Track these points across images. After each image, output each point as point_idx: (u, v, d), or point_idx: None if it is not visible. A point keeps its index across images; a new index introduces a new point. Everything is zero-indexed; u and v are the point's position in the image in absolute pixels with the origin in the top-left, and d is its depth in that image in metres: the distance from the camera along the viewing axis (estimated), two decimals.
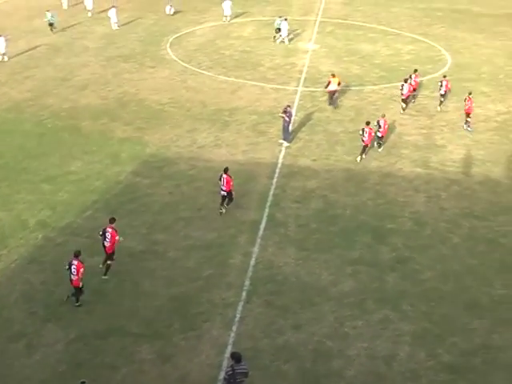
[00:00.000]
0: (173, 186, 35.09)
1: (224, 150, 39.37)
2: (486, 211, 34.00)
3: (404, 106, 46.91)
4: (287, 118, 40.07)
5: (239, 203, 33.21)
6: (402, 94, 46.57)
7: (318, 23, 70.01)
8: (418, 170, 38.16)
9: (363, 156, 39.12)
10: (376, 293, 27.30)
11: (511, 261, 29.92)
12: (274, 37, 62.86)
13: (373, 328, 25.31)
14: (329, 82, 46.89)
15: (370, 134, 38.74)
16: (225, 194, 32.26)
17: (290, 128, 41.02)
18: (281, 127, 40.67)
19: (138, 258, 28.79)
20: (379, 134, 39.94)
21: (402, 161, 39.10)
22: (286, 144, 40.10)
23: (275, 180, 35.99)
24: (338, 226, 31.99)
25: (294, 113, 43.06)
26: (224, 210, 32.63)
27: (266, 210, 32.89)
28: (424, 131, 43.36)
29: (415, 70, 48.96)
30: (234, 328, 24.91)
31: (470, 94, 44.29)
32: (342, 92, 49.18)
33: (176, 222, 31.69)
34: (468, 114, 43.95)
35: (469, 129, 43.85)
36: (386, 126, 40.35)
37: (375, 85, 51.63)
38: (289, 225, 31.88)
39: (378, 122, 40.03)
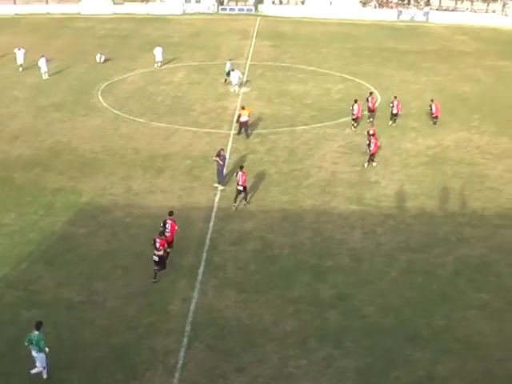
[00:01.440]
0: (109, 234, 34.69)
1: (159, 196, 39.15)
2: (421, 244, 34.36)
3: (355, 124, 51.20)
4: (221, 162, 40.10)
5: (177, 248, 32.94)
6: (353, 114, 50.74)
7: (248, 66, 70.59)
8: (353, 206, 38.45)
9: (371, 163, 44.25)
10: (318, 331, 27.26)
11: (449, 291, 30.23)
12: (225, 80, 63.13)
13: (317, 366, 25.21)
14: (239, 115, 48.59)
15: (375, 144, 43.98)
16: (241, 188, 37.46)
17: (225, 171, 41.05)
18: (215, 171, 40.65)
19: (76, 308, 28.28)
20: (367, 142, 44.81)
21: (337, 198, 39.37)
22: (221, 187, 40.06)
23: (212, 224, 35.86)
24: (276, 266, 31.96)
25: (227, 156, 43.15)
26: (244, 204, 38.04)
27: (204, 254, 32.70)
28: (357, 168, 43.78)
29: (371, 93, 53.44)
30: (177, 375, 24.55)
31: (432, 100, 52.82)
32: (275, 133, 49.53)
33: (114, 270, 31.26)
34: (436, 117, 51.65)
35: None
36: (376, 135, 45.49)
37: (307, 125, 52.07)
38: (227, 268, 31.74)
39: (367, 132, 46.03)
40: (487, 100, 61.33)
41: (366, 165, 43.96)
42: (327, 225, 36.21)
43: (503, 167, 44.78)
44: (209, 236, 34.56)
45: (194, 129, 50.55)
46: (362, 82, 64.32)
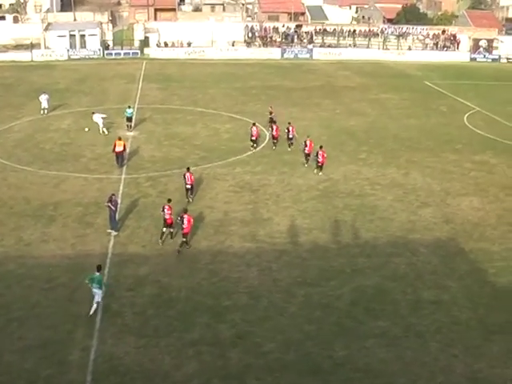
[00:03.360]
0: (2, 287, 33.78)
1: (52, 245, 38.47)
2: (317, 277, 34.82)
3: (254, 145, 56.63)
4: (113, 207, 39.80)
5: (72, 297, 32.49)
6: (252, 135, 56.31)
7: (136, 110, 70.24)
8: (248, 244, 38.69)
9: (318, 172, 50.71)
10: (221, 371, 27.23)
11: (347, 322, 30.73)
12: (128, 126, 62.52)
13: None
14: (114, 145, 51.34)
15: (323, 155, 50.07)
16: (189, 187, 44.42)
17: (117, 216, 40.77)
18: (107, 217, 40.34)
19: None
20: (306, 151, 52.03)
21: (231, 237, 39.55)
22: (114, 233, 39.73)
23: (107, 270, 35.36)
24: (174, 309, 31.79)
25: (119, 201, 42.88)
26: (191, 200, 44.41)
27: (101, 302, 32.29)
28: (250, 206, 44.16)
29: (275, 122, 59.70)
30: None
31: (308, 136, 53.87)
32: (166, 176, 49.45)
33: (9, 323, 30.49)
34: (308, 155, 52.35)
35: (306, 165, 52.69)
36: (312, 145, 52.06)
37: (197, 165, 52.05)
38: (125, 314, 31.39)
39: (304, 142, 52.25)
40: (373, 133, 63.12)
41: (315, 171, 50.55)
42: (223, 264, 36.30)
43: (392, 197, 46.05)
44: (104, 283, 34.14)
45: (84, 175, 50.02)
46: (250, 121, 64.78)
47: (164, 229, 38.49)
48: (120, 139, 52.01)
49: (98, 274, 31.35)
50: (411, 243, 39.21)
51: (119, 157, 51.80)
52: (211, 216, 42.47)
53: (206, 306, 32.07)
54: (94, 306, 30.99)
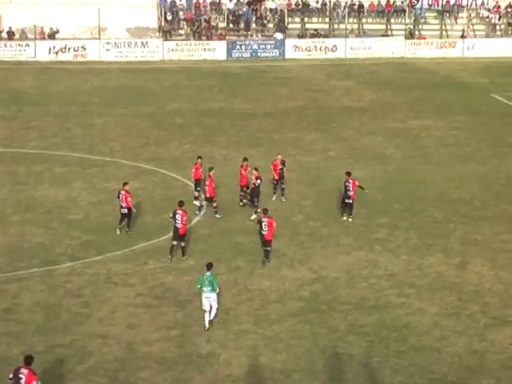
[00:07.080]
0: None
1: None
2: None
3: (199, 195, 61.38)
4: None
5: None
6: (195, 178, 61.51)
7: None
8: None
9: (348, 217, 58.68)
10: None
11: None
12: None
13: None
14: None
15: (353, 184, 57.38)
16: (125, 211, 54.84)
17: None
18: None
19: None
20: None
21: None
22: None
23: None
24: None
25: None
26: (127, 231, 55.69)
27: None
28: (175, 332, 43.75)
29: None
30: None
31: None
32: (17, 280, 48.94)
33: None
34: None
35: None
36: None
37: (76, 259, 51.85)
38: None
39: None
40: (400, 191, 63.41)
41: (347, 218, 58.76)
42: None
43: (437, 308, 45.95)
44: None
45: None
46: (172, 175, 64.87)
47: (174, 242, 50.81)
48: None
49: (208, 273, 43.19)
50: None
51: None
52: (103, 353, 41.91)
53: None
54: (214, 312, 43.63)
